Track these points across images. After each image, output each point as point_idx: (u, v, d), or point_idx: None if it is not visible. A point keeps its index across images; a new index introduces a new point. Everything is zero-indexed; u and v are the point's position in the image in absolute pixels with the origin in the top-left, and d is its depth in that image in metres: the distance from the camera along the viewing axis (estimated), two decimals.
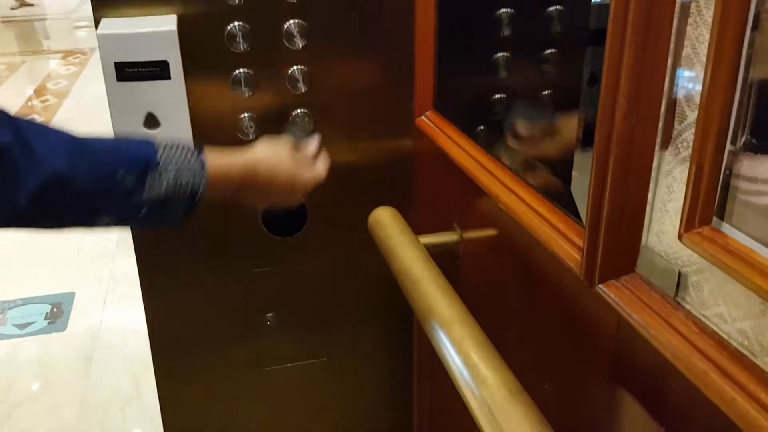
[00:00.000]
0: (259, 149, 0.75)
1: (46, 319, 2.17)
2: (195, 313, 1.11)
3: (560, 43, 0.98)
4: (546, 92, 0.99)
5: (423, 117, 1.01)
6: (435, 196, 1.04)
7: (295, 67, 0.97)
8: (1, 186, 0.53)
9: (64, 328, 2.13)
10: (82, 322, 2.16)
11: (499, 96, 1.00)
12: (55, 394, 1.88)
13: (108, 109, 0.88)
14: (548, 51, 0.99)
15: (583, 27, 0.81)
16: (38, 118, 4.08)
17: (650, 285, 0.51)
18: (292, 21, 0.94)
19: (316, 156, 0.85)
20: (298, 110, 1.00)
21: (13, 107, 4.13)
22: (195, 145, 0.67)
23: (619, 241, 0.53)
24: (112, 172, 0.59)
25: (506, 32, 0.99)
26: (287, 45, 0.95)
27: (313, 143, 0.85)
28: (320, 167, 0.83)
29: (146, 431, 1.74)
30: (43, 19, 6.38)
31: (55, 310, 2.20)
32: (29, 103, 4.30)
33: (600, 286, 0.55)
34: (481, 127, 1.00)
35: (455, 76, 1.00)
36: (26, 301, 2.25)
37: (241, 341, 1.15)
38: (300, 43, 0.96)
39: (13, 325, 2.14)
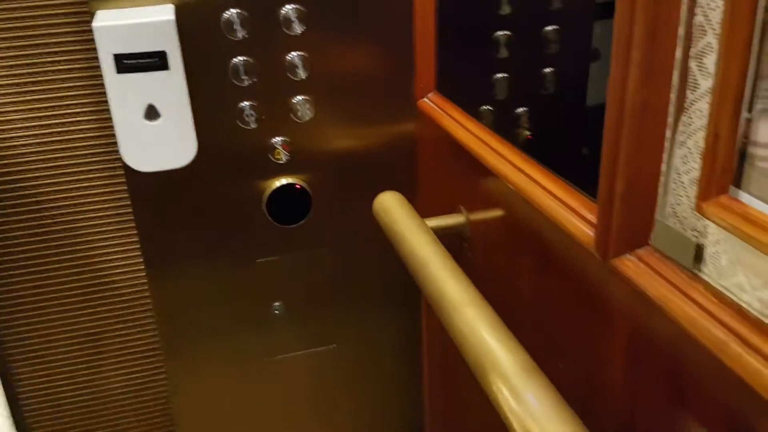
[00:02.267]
0: None
1: None
2: (202, 304, 1.11)
3: (564, 18, 0.97)
4: (550, 69, 0.98)
5: (425, 99, 1.00)
6: (440, 179, 1.03)
7: (294, 53, 0.96)
8: None
9: None
10: None
11: (503, 74, 0.99)
12: None
13: None
14: (551, 27, 0.98)
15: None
16: None
17: (666, 257, 0.51)
18: (289, 6, 0.93)
19: None
20: (299, 97, 0.99)
21: None
22: None
23: (632, 214, 0.52)
24: None
25: (507, 10, 0.98)
26: (285, 31, 0.94)
27: None
28: None
29: None
30: None
31: None
32: None
33: (614, 260, 0.54)
34: (486, 107, 0.99)
35: (457, 56, 0.99)
36: None
37: (250, 331, 1.14)
38: (298, 29, 0.95)
39: None
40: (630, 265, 0.53)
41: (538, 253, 0.74)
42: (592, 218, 0.59)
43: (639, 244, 0.53)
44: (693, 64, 0.47)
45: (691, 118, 0.47)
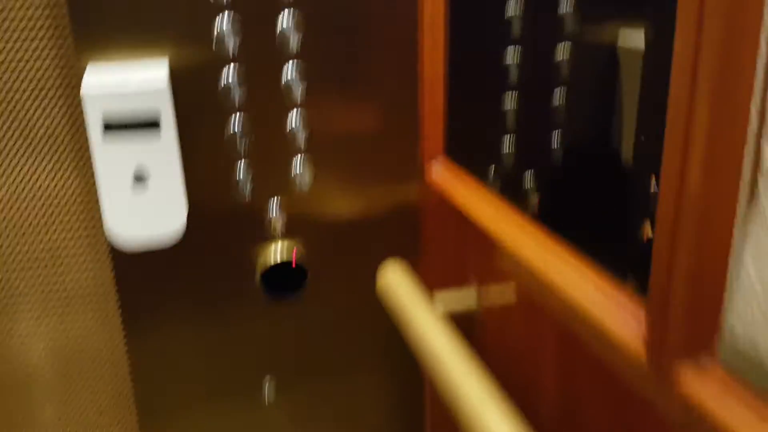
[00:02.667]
0: None
1: None
2: (188, 379, 1.02)
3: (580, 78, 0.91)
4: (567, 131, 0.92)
5: (432, 163, 0.93)
6: (447, 250, 0.96)
7: (293, 114, 0.90)
8: None
9: None
10: None
11: (514, 135, 0.93)
12: None
13: None
14: (566, 87, 0.92)
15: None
16: None
17: (734, 373, 0.43)
18: (290, 64, 0.87)
19: None
20: (297, 161, 0.93)
21: None
22: None
23: (692, 321, 0.44)
24: None
25: (514, 79, 0.93)
26: (285, 92, 0.88)
27: None
28: None
29: None
30: None
31: None
32: None
33: (666, 370, 0.46)
34: (499, 172, 0.92)
35: (466, 120, 0.93)
36: None
37: (238, 409, 1.05)
38: (298, 90, 0.89)
39: None
40: (688, 379, 0.44)
41: (565, 347, 0.65)
42: (637, 312, 0.51)
43: (700, 353, 0.45)
44: (766, 145, 0.40)
45: (766, 209, 0.40)
